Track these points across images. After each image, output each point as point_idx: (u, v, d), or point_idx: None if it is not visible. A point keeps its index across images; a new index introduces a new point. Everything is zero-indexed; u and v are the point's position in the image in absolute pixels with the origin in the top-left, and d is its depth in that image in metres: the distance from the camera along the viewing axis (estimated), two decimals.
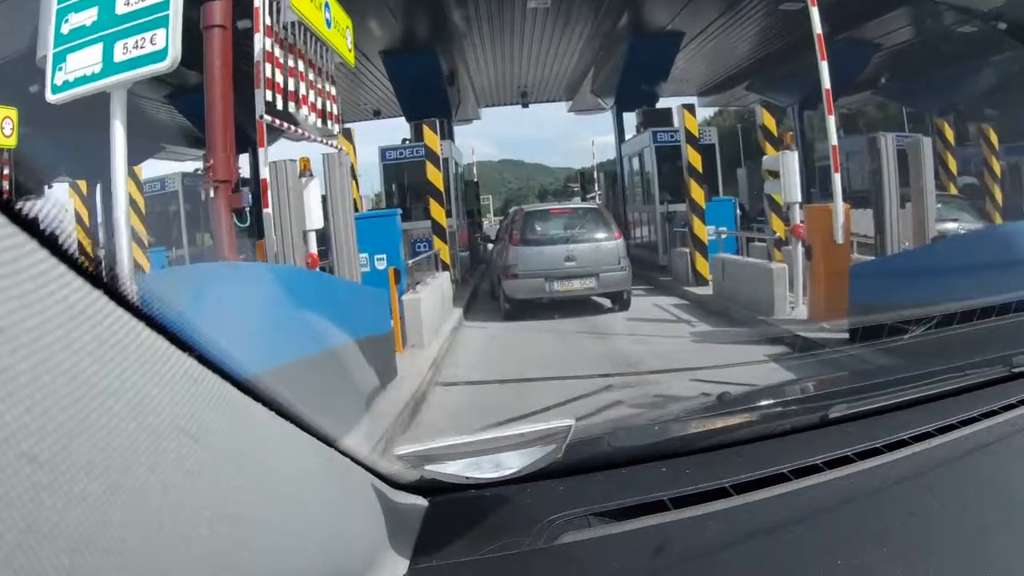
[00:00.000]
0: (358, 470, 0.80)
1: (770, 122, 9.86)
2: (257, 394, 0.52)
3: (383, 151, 12.60)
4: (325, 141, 6.42)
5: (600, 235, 8.53)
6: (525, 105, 20.40)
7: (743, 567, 0.76)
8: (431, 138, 10.27)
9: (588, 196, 22.93)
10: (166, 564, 0.37)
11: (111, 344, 0.35)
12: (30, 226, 0.32)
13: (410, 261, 7.85)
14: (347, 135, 9.54)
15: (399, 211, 8.49)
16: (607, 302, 8.68)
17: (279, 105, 5.41)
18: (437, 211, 10.07)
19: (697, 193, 9.99)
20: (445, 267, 9.53)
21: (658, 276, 11.22)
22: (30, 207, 0.32)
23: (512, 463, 0.83)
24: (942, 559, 0.73)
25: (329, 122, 6.52)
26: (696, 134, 10.39)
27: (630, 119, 15.06)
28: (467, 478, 0.82)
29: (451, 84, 14.10)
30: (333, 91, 6.63)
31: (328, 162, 5.90)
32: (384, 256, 7.53)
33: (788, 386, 1.86)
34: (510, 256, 8.34)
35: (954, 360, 1.35)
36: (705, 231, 9.87)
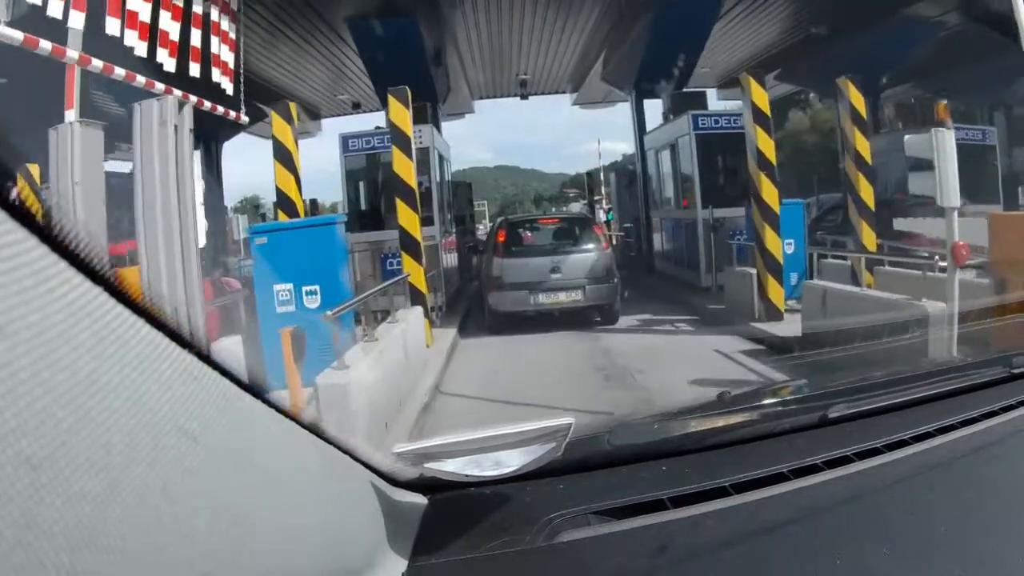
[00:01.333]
0: (358, 468, 0.80)
1: (858, 100, 7.57)
2: (257, 392, 0.52)
3: (345, 140, 9.78)
4: (227, 112, 4.01)
5: (587, 246, 8.12)
6: (524, 96, 17.61)
7: (743, 566, 0.76)
8: (398, 113, 7.15)
9: (596, 198, 20.84)
10: (166, 562, 0.37)
11: (111, 341, 0.35)
12: (30, 222, 0.32)
13: (353, 301, 5.24)
14: (283, 111, 6.94)
15: (341, 218, 6.13)
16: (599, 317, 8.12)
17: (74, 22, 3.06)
18: (407, 217, 7.13)
19: (769, 193, 7.32)
20: (419, 298, 6.99)
21: (704, 303, 8.73)
22: (30, 202, 0.32)
23: (512, 461, 0.83)
24: (942, 559, 0.73)
25: (217, 75, 4.07)
26: (767, 111, 7.56)
27: (652, 111, 12.88)
28: (467, 476, 0.82)
29: (437, 64, 11.66)
30: (220, 19, 4.18)
31: (140, 120, 3.46)
32: (316, 288, 5.05)
33: (788, 386, 1.86)
34: (494, 268, 7.96)
35: (955, 361, 1.36)
36: (780, 245, 7.37)
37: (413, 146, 7.37)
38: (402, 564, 0.77)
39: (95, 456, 0.32)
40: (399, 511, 0.86)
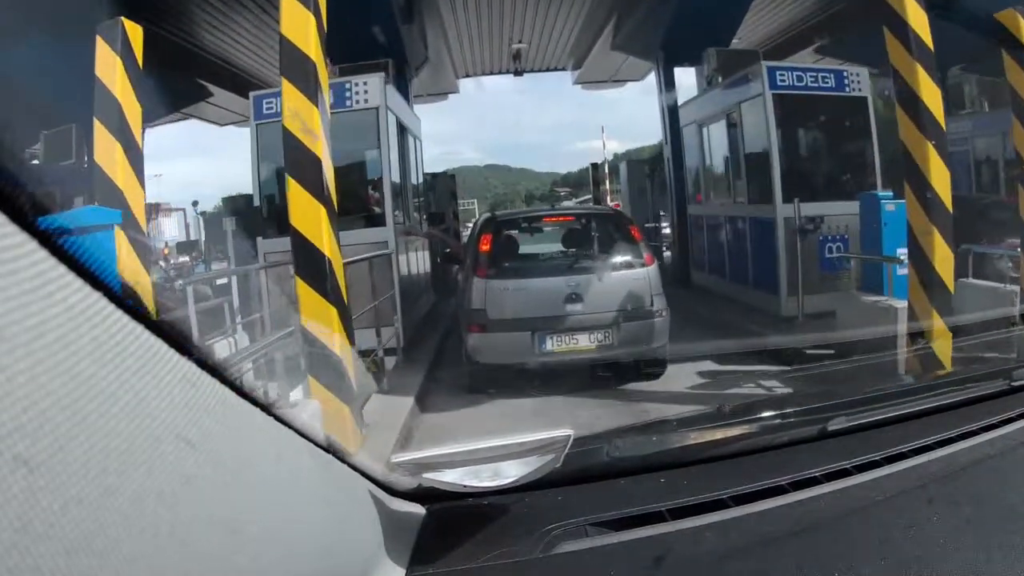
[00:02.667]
0: (356, 477, 0.80)
1: None
2: (256, 399, 0.52)
3: (258, 101, 6.55)
4: None
5: (622, 258, 5.19)
6: (519, 72, 14.58)
7: None
8: (295, 19, 3.83)
9: (601, 191, 17.20)
10: (162, 568, 0.37)
11: (110, 346, 0.35)
12: (30, 226, 0.32)
13: None
14: (110, 35, 4.07)
15: (106, 216, 3.42)
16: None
17: None
18: (304, 210, 3.75)
19: (940, 175, 4.50)
20: (326, 368, 3.69)
21: (789, 343, 5.55)
22: (30, 206, 0.32)
23: (510, 472, 0.83)
24: (940, 572, 0.73)
25: None
26: (927, 38, 4.51)
27: (680, 85, 9.94)
28: (465, 486, 0.82)
29: (407, 20, 8.97)
30: None
31: None
32: None
33: (788, 398, 1.87)
34: (474, 295, 5.00)
35: (954, 374, 1.36)
36: (952, 260, 4.60)
37: (322, 83, 3.84)
38: (399, 574, 0.77)
39: (92, 461, 0.32)
40: (396, 521, 0.86)
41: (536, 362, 4.89)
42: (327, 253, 3.66)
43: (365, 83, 6.26)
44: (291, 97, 3.72)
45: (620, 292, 5.02)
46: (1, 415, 0.28)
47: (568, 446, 0.83)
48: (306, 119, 3.68)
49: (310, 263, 3.65)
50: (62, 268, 0.33)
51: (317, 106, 3.73)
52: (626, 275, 5.10)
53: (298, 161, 3.67)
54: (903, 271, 4.99)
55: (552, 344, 4.90)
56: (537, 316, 4.91)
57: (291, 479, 0.59)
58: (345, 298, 3.75)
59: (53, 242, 0.33)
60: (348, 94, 6.30)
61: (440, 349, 6.43)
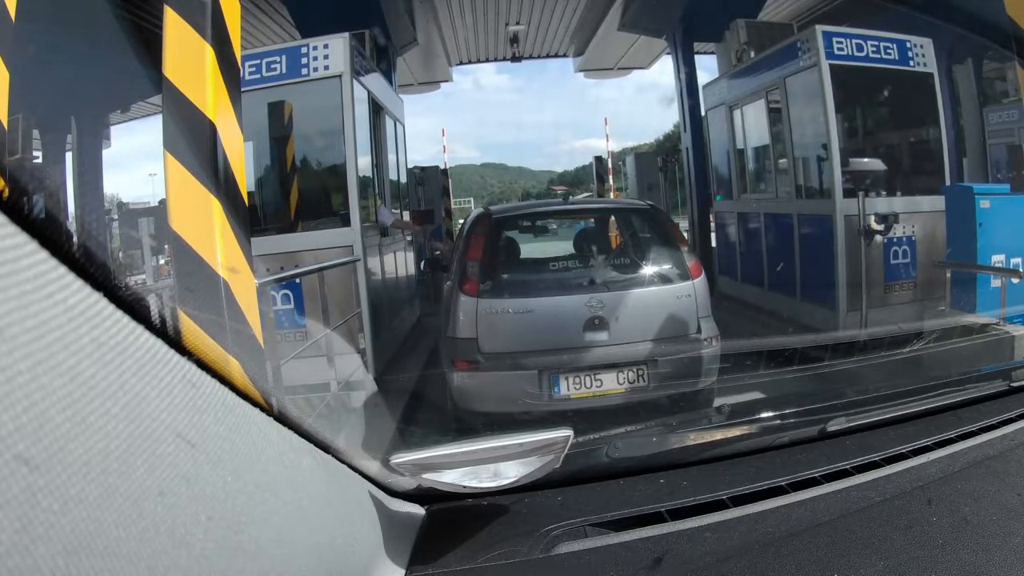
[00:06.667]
0: (356, 477, 0.80)
1: None
2: (256, 400, 0.52)
3: None
4: None
5: (659, 269, 3.94)
6: (517, 58, 12.81)
7: None
8: None
9: (608, 188, 14.56)
10: (161, 568, 0.37)
11: (110, 347, 0.35)
12: (31, 226, 0.32)
13: None
14: None
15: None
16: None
17: None
18: (188, 212, 2.15)
19: None
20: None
21: (852, 367, 4.14)
22: (31, 207, 0.32)
23: (510, 473, 0.83)
24: (939, 573, 0.73)
25: None
26: None
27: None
28: (465, 487, 0.82)
29: None
30: None
31: None
32: None
33: (787, 399, 1.87)
34: (461, 319, 3.74)
35: (954, 374, 1.36)
36: None
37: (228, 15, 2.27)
38: (399, 574, 0.77)
39: (93, 461, 0.32)
40: (397, 521, 0.86)
41: (546, 410, 3.64)
42: (222, 271, 2.26)
43: (326, 46, 4.99)
44: (172, 25, 2.20)
45: (658, 314, 3.80)
46: (1, 415, 0.28)
47: (568, 447, 0.83)
48: (193, 64, 2.21)
49: (195, 287, 2.25)
50: (62, 268, 0.33)
51: (204, 38, 2.22)
52: (666, 291, 3.84)
53: (182, 128, 2.26)
54: (996, 283, 4.26)
55: (568, 387, 3.62)
56: (547, 348, 3.66)
57: (291, 479, 0.59)
58: (260, 340, 2.43)
59: (53, 242, 0.33)
60: (304, 60, 5.05)
61: (423, 380, 4.84)
